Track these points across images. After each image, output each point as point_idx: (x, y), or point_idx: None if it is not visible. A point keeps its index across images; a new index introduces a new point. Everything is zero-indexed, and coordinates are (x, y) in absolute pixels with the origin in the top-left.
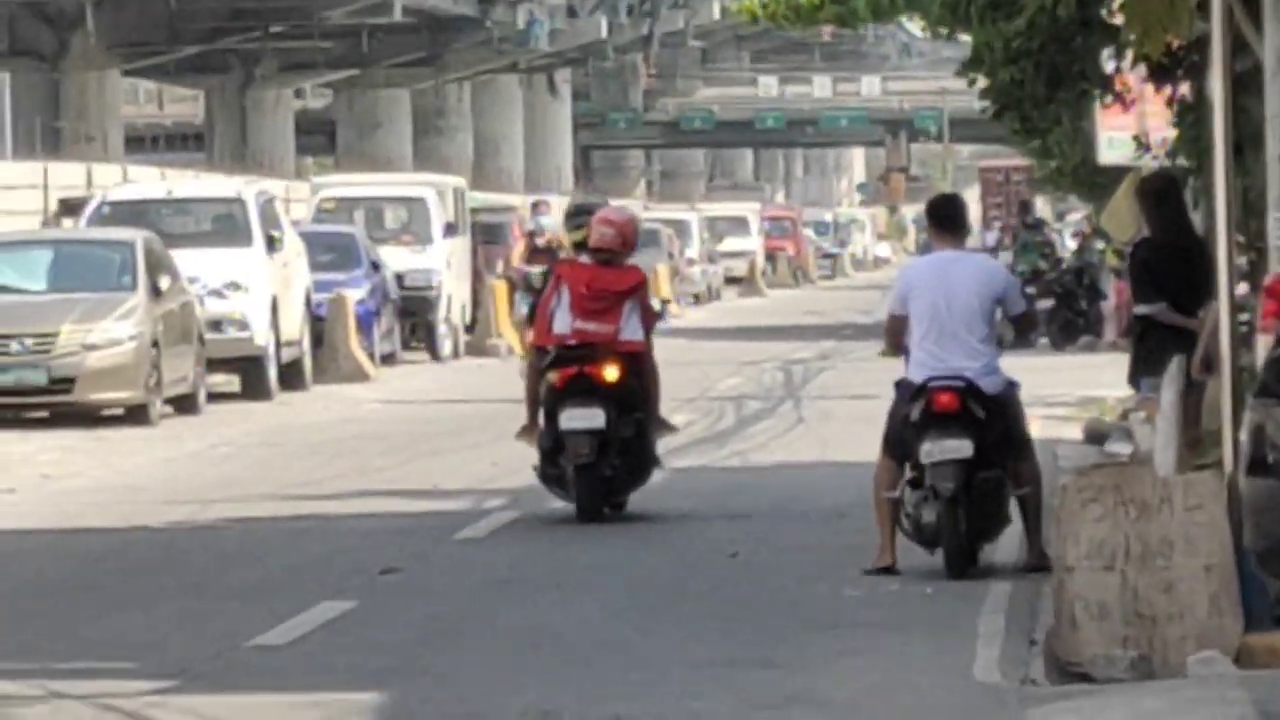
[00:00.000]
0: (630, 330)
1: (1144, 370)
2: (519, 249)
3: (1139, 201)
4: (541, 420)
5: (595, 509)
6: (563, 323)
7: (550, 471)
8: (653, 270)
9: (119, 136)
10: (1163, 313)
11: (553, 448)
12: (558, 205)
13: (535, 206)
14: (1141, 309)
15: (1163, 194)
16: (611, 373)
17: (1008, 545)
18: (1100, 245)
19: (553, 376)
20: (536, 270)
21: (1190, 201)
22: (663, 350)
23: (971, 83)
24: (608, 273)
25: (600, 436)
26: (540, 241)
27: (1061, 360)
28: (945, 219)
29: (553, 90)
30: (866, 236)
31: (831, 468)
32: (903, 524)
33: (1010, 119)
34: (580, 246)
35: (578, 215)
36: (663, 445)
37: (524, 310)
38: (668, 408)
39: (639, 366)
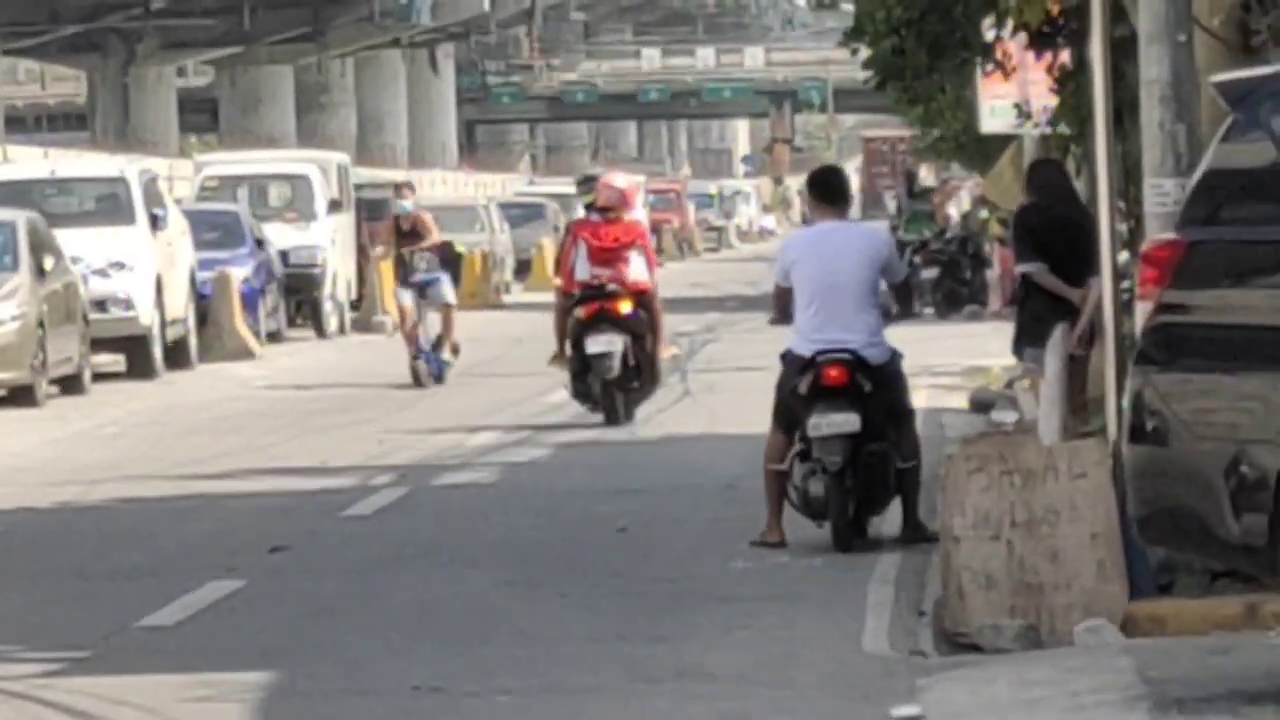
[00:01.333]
0: (636, 273)
1: (1027, 339)
2: (386, 234)
3: (1024, 177)
4: (569, 349)
5: (618, 416)
6: (582, 270)
7: (579, 388)
8: (537, 245)
9: None
10: (1042, 274)
11: (580, 369)
12: (452, 179)
13: (397, 190)
14: (1021, 267)
15: (1047, 169)
16: (625, 307)
17: (897, 517)
18: (984, 213)
19: (579, 312)
20: (413, 250)
21: (1072, 169)
22: (549, 324)
23: (854, 53)
24: (614, 227)
25: (620, 358)
26: (405, 225)
27: (946, 329)
28: (827, 191)
29: (434, 67)
30: (751, 208)
31: (718, 440)
32: (790, 496)
33: (893, 89)
34: (589, 207)
35: (587, 182)
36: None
37: (404, 297)
38: (551, 382)
39: (647, 301)
